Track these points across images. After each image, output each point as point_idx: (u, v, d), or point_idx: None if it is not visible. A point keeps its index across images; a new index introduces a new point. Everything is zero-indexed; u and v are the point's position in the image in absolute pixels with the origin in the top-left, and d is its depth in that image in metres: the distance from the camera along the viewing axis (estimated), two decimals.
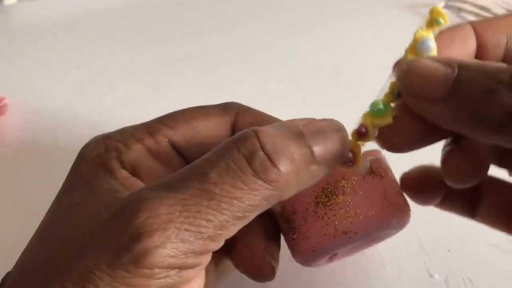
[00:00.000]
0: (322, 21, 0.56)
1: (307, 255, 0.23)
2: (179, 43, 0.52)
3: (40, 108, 0.44)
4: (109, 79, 0.47)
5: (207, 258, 0.18)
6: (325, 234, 0.22)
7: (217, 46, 0.52)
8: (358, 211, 0.22)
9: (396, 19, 0.56)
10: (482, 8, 0.55)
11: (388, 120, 0.21)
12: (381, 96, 0.21)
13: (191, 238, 0.17)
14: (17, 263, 0.19)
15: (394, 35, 0.54)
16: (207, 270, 0.25)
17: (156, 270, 0.16)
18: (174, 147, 0.22)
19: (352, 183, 0.23)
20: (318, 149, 0.19)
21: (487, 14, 0.54)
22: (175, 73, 0.48)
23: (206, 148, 0.23)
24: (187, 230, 0.17)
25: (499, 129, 0.18)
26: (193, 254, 0.17)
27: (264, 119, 0.24)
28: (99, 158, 0.21)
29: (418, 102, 0.20)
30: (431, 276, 0.30)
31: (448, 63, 0.19)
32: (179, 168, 0.22)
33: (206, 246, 0.18)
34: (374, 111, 0.21)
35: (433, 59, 0.20)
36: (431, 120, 0.20)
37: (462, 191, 0.25)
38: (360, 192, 0.23)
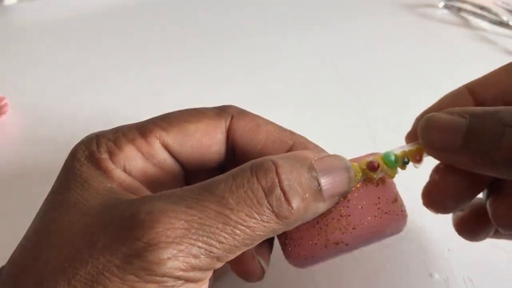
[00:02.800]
0: (322, 21, 0.56)
1: (298, 261, 0.23)
2: (179, 43, 0.52)
3: (40, 108, 0.44)
4: (109, 79, 0.47)
5: (210, 274, 0.19)
6: (316, 244, 0.22)
7: (217, 46, 0.52)
8: (350, 221, 0.22)
9: (396, 19, 0.56)
10: (482, 8, 0.55)
11: (392, 174, 0.22)
12: (396, 151, 0.23)
13: (202, 256, 0.18)
14: (11, 259, 0.19)
15: (394, 35, 0.54)
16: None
17: (165, 278, 0.17)
18: (166, 148, 0.22)
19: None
20: (326, 188, 0.20)
21: (487, 14, 0.54)
22: (175, 73, 0.48)
23: (198, 150, 0.23)
24: (199, 247, 0.18)
25: None
26: (200, 270, 0.18)
27: (260, 124, 0.24)
28: (92, 157, 0.21)
29: (439, 153, 0.22)
30: (431, 276, 0.30)
31: (461, 113, 0.21)
32: (169, 169, 0.23)
33: (213, 265, 0.19)
34: (386, 159, 0.22)
35: (447, 111, 0.22)
36: (455, 166, 0.22)
37: None
38: (354, 202, 0.22)
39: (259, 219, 0.19)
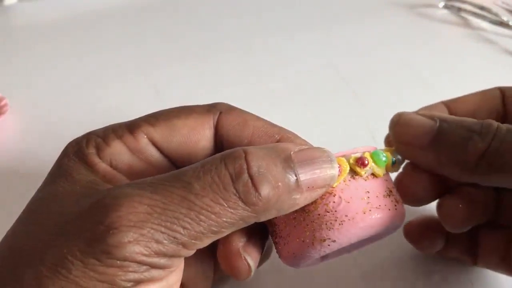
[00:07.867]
0: (322, 21, 0.56)
1: (289, 260, 0.22)
2: (179, 43, 0.52)
3: (40, 108, 0.44)
4: (109, 79, 0.47)
5: (179, 261, 0.19)
6: (303, 241, 0.21)
7: (217, 46, 0.52)
8: (336, 217, 0.21)
9: (396, 19, 0.56)
10: (482, 8, 0.55)
11: (379, 173, 0.22)
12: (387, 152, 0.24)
13: (165, 241, 0.18)
14: None
15: (394, 35, 0.54)
16: (206, 272, 0.26)
17: (126, 263, 0.17)
18: (154, 143, 0.23)
19: (332, 187, 0.21)
20: (304, 179, 0.20)
21: (487, 14, 0.54)
22: (175, 73, 0.48)
23: (186, 146, 0.23)
24: (162, 232, 0.18)
25: (475, 170, 0.22)
26: (165, 256, 0.18)
27: (247, 120, 0.23)
28: (80, 153, 0.21)
29: (407, 148, 0.24)
30: (431, 276, 0.30)
31: (431, 117, 0.23)
32: (158, 164, 0.23)
33: (179, 252, 0.18)
34: (375, 157, 0.22)
35: (418, 113, 0.24)
36: (418, 164, 0.24)
37: (461, 241, 0.28)
38: (340, 197, 0.21)
39: (225, 205, 0.18)
